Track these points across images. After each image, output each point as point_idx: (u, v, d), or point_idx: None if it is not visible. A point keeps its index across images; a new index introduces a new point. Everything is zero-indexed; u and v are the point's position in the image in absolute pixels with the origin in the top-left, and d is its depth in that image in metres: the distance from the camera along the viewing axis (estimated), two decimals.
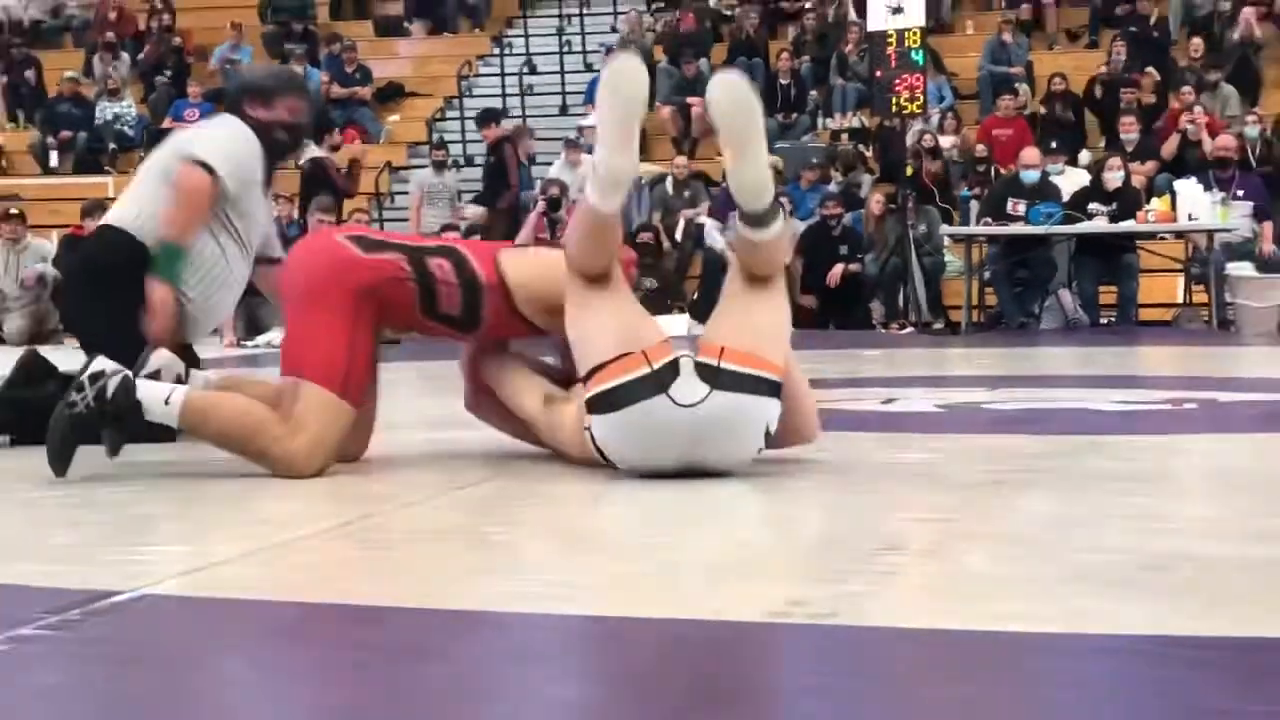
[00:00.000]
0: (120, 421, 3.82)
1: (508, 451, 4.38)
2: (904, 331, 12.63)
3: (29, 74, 19.38)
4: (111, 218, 5.13)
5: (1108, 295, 13.12)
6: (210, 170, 4.82)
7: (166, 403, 3.86)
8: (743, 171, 3.83)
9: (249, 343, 12.05)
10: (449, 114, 18.33)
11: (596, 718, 1.98)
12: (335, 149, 15.86)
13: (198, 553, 2.99)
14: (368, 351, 4.10)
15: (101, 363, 3.85)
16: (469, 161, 17.14)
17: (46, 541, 3.22)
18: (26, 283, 13.07)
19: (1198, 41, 16.27)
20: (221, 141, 4.95)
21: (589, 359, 3.73)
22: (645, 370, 3.60)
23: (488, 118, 15.89)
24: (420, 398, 6.88)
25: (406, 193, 16.22)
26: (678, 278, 13.93)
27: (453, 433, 4.90)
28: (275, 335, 12.05)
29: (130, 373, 3.88)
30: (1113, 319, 12.94)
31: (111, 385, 3.78)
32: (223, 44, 19.57)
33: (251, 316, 12.48)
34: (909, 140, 14.04)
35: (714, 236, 13.22)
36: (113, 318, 4.75)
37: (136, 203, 5.01)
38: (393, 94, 18.77)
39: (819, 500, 3.59)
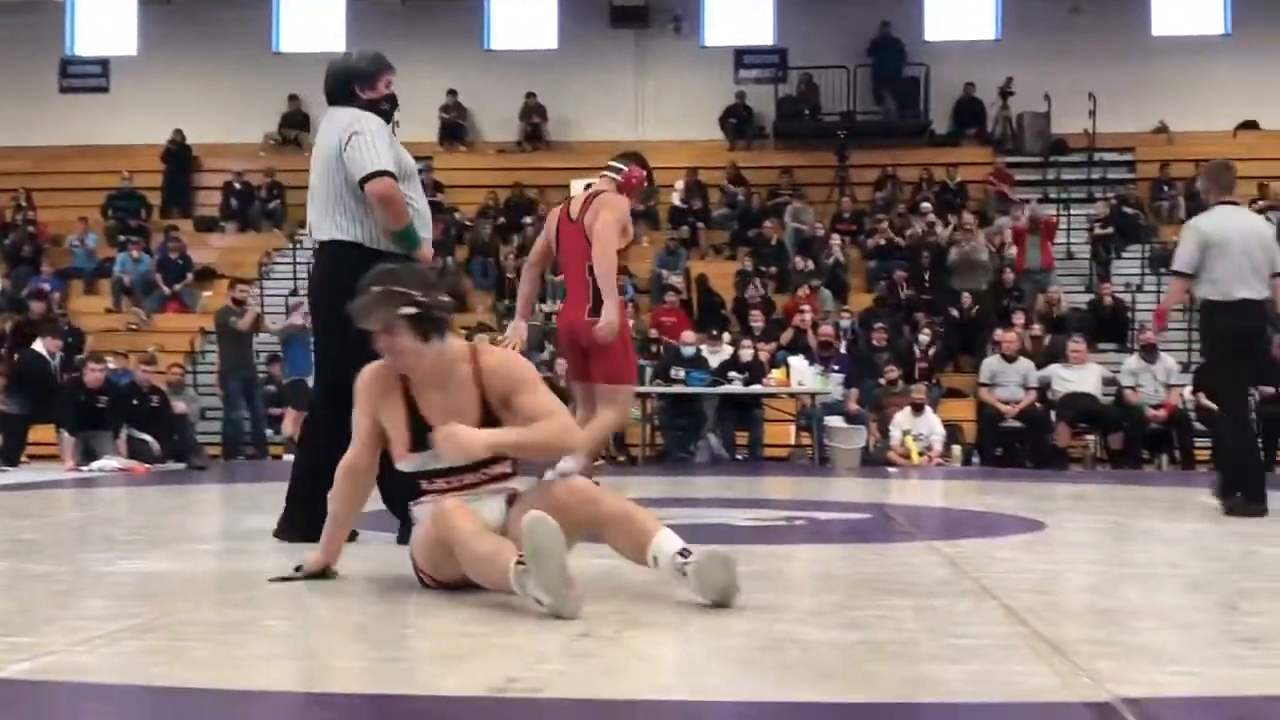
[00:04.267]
0: None
1: (295, 558, 4.23)
2: (597, 464, 12.67)
3: None
4: (333, 235, 4.81)
5: (742, 438, 13.47)
6: (388, 172, 4.69)
7: None
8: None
9: (85, 468, 11.43)
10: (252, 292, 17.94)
11: None
12: None
13: (38, 643, 2.80)
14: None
15: None
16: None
17: None
18: None
19: (802, 258, 16.99)
20: (377, 147, 4.72)
21: None
22: None
23: None
24: (219, 514, 6.60)
25: (215, 351, 15.72)
26: None
27: (248, 544, 4.73)
28: (106, 462, 11.47)
29: None
30: (745, 456, 13.27)
31: None
32: (72, 234, 18.87)
33: (88, 446, 11.89)
34: None
35: None
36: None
37: (352, 220, 4.78)
38: (207, 275, 18.33)
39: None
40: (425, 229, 4.96)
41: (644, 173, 6.33)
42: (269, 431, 13.98)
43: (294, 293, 17.61)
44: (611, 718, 2.22)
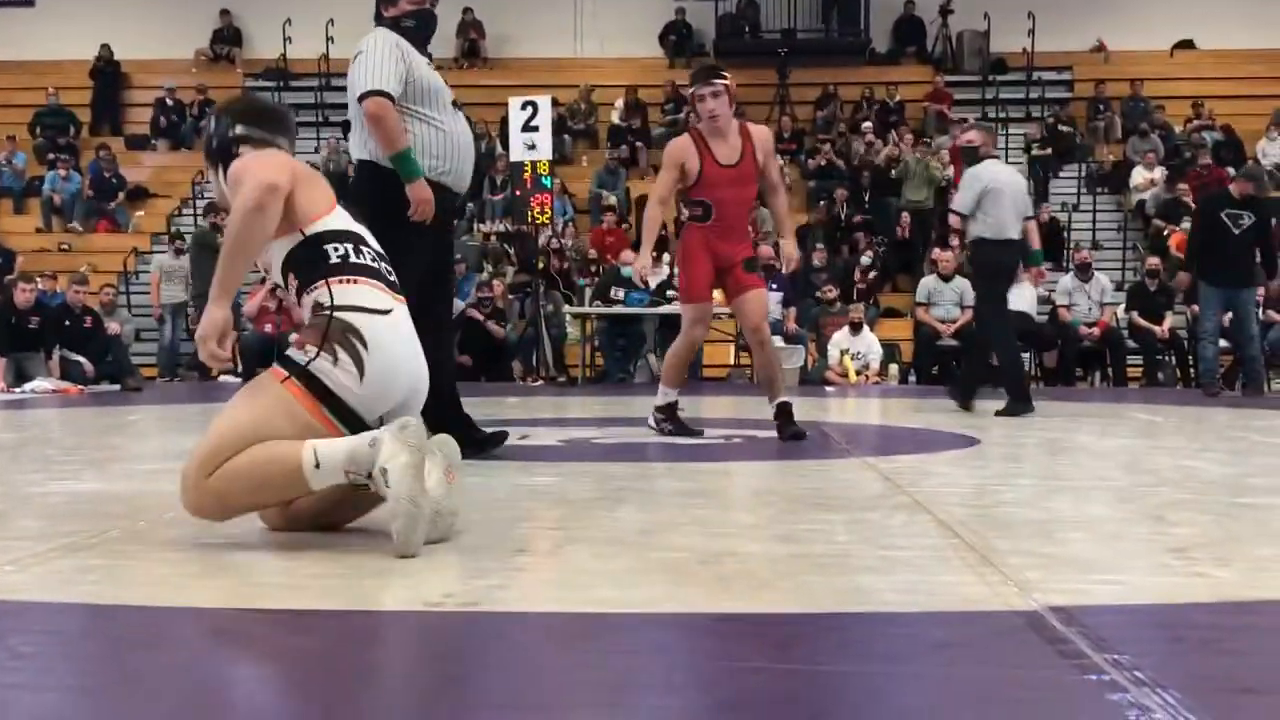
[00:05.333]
0: None
1: None
2: (536, 384, 12.70)
3: None
4: (359, 155, 4.86)
5: None
6: (380, 92, 4.60)
7: None
8: None
9: (17, 389, 11.27)
10: (185, 211, 17.67)
11: (280, 692, 1.91)
12: None
13: None
14: None
15: None
16: None
17: None
18: None
19: None
20: (373, 64, 4.66)
21: None
22: None
23: None
24: (155, 435, 6.55)
25: (149, 271, 15.54)
26: None
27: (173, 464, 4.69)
28: (39, 384, 11.32)
29: None
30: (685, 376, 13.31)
31: None
32: (1, 152, 18.45)
33: (19, 367, 11.72)
34: (541, 242, 14.18)
35: None
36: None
37: (370, 138, 4.75)
38: (139, 195, 18.03)
39: (467, 516, 3.57)
40: (453, 152, 4.86)
41: (693, 92, 6.19)
42: None
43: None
44: (549, 630, 2.23)
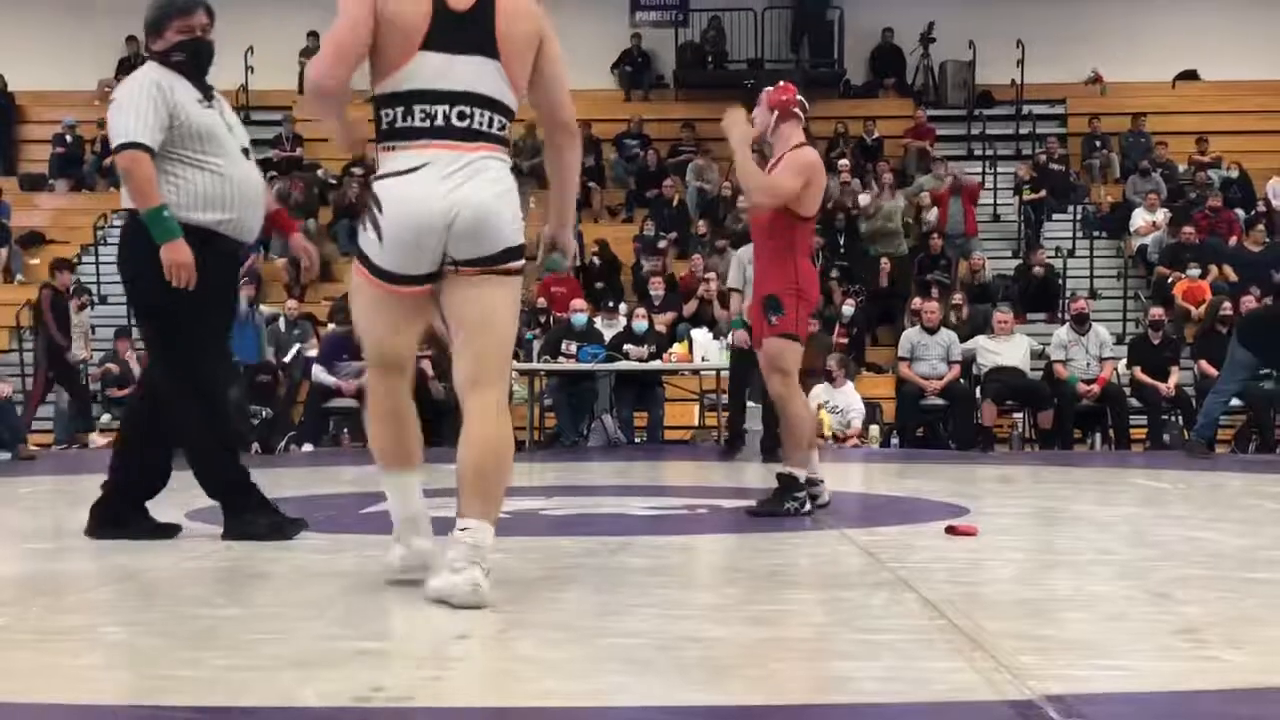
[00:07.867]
0: None
1: (123, 562, 4.16)
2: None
3: None
4: (125, 204, 4.78)
5: (640, 419, 13.52)
6: (133, 144, 4.54)
7: None
8: None
9: None
10: (86, 259, 17.56)
11: None
12: None
13: None
14: None
15: None
16: (103, 300, 16.51)
17: None
18: None
19: (706, 221, 17.06)
20: (127, 113, 4.58)
21: None
22: None
23: None
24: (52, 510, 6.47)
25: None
26: (286, 405, 13.52)
27: (83, 542, 4.65)
28: None
29: None
30: (644, 438, 13.33)
31: None
32: None
33: None
34: None
35: (321, 376, 12.90)
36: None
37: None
38: (34, 240, 17.94)
39: (402, 596, 3.54)
40: (234, 198, 4.71)
41: None
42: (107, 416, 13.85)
43: None
44: None
